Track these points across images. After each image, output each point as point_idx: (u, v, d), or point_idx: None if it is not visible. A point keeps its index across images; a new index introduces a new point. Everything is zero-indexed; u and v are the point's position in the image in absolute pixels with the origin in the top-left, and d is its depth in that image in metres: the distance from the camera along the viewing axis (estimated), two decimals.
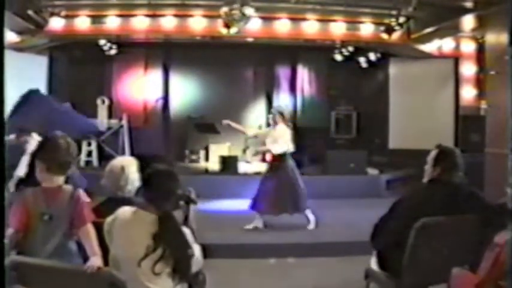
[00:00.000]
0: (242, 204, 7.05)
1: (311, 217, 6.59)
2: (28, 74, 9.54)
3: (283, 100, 12.12)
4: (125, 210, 2.73)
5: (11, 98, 6.51)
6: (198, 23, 9.10)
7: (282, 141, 6.47)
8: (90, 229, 2.80)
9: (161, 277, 2.59)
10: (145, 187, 2.79)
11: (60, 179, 2.88)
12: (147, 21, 9.08)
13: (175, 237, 2.65)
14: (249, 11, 7.71)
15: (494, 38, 7.29)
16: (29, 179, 3.12)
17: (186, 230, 2.77)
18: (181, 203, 2.93)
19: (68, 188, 2.89)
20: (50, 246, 2.74)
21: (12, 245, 2.68)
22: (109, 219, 2.75)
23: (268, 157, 6.87)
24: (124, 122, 11.01)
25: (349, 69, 11.60)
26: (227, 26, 8.13)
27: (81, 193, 2.89)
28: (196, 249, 2.82)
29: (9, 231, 2.66)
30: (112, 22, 9.05)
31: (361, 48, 10.78)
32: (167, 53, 11.59)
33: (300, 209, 6.54)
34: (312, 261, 5.58)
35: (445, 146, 3.66)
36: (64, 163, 2.88)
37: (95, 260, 2.63)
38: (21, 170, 4.28)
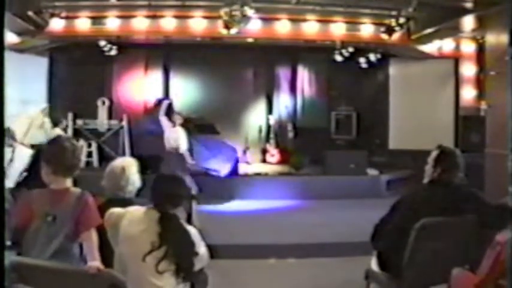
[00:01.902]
0: (242, 205, 7.05)
1: None
2: (28, 75, 9.56)
3: (283, 101, 12.13)
4: (136, 209, 2.78)
5: (11, 99, 6.52)
6: (198, 24, 9.10)
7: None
8: (93, 235, 2.79)
9: (165, 275, 2.62)
10: (152, 192, 2.81)
11: (67, 181, 2.87)
12: (147, 22, 9.07)
13: (178, 236, 2.68)
14: (249, 11, 7.70)
15: (494, 38, 7.29)
16: (30, 181, 3.12)
17: (191, 229, 2.79)
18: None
19: (76, 190, 2.87)
20: (52, 247, 2.72)
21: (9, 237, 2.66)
22: (118, 211, 2.77)
23: (269, 157, 6.82)
24: (124, 122, 11.03)
25: (349, 69, 11.59)
26: (227, 26, 8.12)
27: (90, 196, 2.86)
28: (202, 248, 2.83)
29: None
30: (112, 23, 9.05)
31: (361, 48, 10.76)
32: (167, 54, 11.58)
33: None
34: (312, 261, 5.58)
35: (446, 147, 3.66)
36: (70, 166, 2.86)
37: (95, 262, 2.63)
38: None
